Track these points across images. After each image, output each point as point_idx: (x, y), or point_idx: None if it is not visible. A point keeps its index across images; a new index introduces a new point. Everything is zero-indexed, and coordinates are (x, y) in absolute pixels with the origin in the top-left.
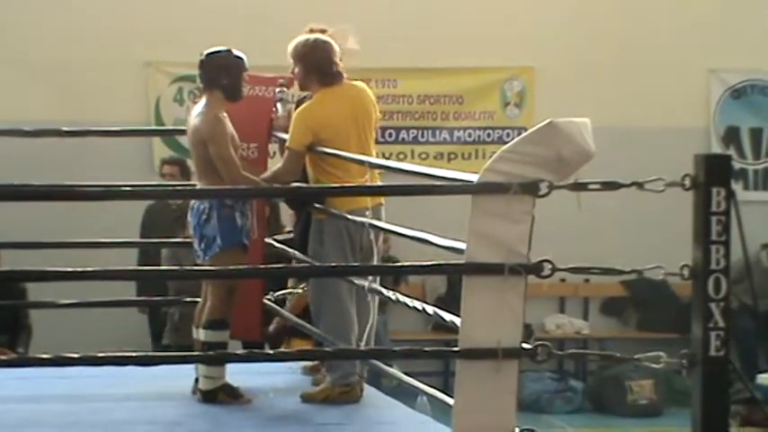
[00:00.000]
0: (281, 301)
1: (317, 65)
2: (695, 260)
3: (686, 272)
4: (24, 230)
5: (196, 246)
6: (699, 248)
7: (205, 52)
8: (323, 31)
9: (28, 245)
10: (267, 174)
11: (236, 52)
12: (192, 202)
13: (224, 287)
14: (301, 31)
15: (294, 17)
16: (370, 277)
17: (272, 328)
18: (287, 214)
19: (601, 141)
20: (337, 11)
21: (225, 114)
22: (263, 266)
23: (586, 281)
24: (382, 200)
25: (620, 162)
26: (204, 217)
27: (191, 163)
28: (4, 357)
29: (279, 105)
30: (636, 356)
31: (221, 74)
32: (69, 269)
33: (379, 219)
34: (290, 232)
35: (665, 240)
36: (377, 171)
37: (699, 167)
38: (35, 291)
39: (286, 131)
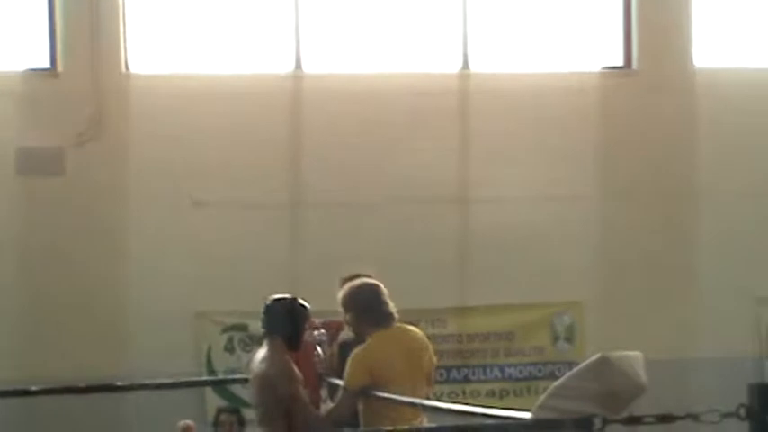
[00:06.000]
0: None
1: (367, 307)
2: None
3: None
4: None
5: None
6: None
7: (270, 297)
8: (368, 277)
9: None
10: (322, 414)
11: (300, 301)
12: None
13: None
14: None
15: (332, 260)
16: None
17: None
18: None
19: (653, 373)
20: (381, 253)
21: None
22: None
23: None
24: None
25: (673, 393)
26: None
27: (245, 412)
28: None
29: (318, 348)
30: None
31: (285, 321)
32: None
33: None
34: None
35: None
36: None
37: (753, 397)
38: None
39: (327, 374)
